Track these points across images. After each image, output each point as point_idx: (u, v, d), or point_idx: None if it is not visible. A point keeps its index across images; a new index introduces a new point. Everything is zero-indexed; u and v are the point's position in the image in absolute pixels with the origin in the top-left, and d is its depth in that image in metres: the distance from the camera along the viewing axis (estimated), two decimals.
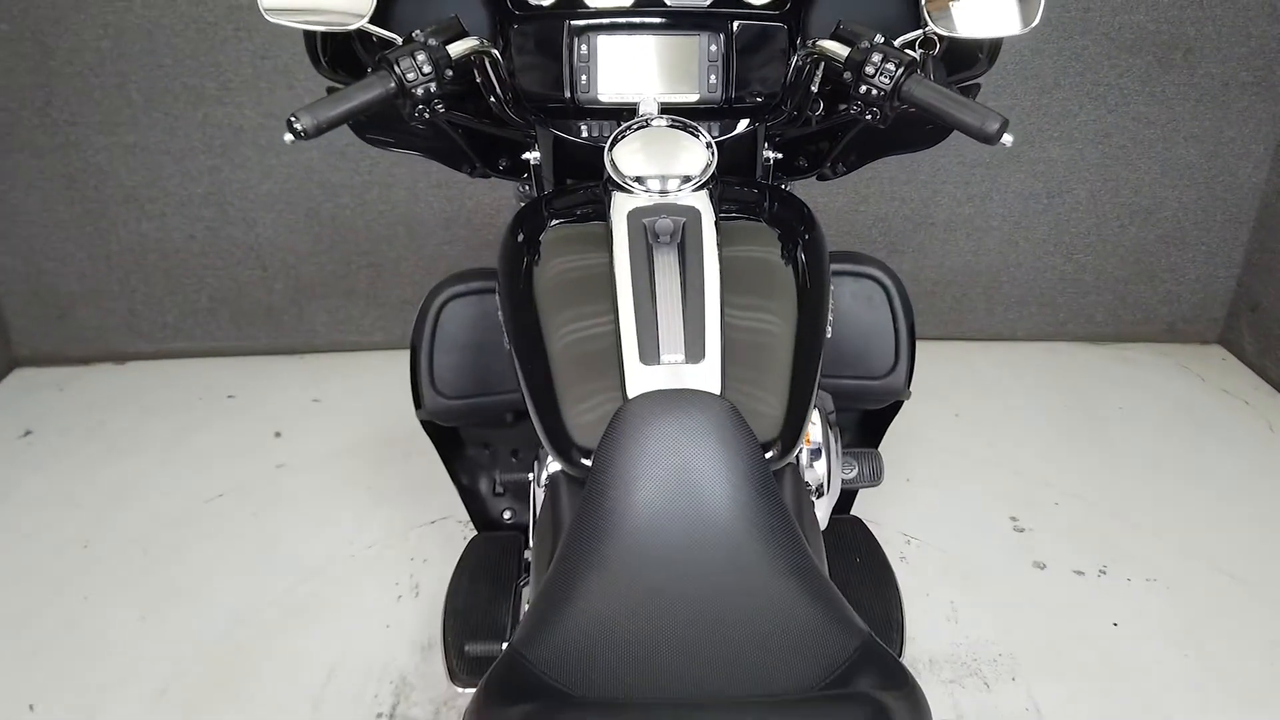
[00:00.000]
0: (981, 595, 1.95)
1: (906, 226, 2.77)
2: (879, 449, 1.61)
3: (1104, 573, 2.04)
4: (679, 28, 1.31)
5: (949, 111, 1.08)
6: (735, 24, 1.30)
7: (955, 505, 2.24)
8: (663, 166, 1.15)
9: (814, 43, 1.21)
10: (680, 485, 0.89)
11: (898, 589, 1.51)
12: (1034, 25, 1.12)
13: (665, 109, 1.26)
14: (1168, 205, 2.79)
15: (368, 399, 2.65)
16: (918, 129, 1.40)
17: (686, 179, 1.13)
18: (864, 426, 1.63)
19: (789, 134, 1.42)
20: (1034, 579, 2.02)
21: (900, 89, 1.11)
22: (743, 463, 0.91)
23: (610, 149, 1.18)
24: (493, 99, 1.30)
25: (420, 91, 1.14)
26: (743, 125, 1.33)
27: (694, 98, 1.31)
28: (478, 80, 1.27)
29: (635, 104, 1.29)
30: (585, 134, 1.33)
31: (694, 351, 0.98)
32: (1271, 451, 2.48)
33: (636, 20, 1.31)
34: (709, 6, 1.31)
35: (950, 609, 1.91)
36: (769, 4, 1.31)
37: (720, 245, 1.09)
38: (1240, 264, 2.88)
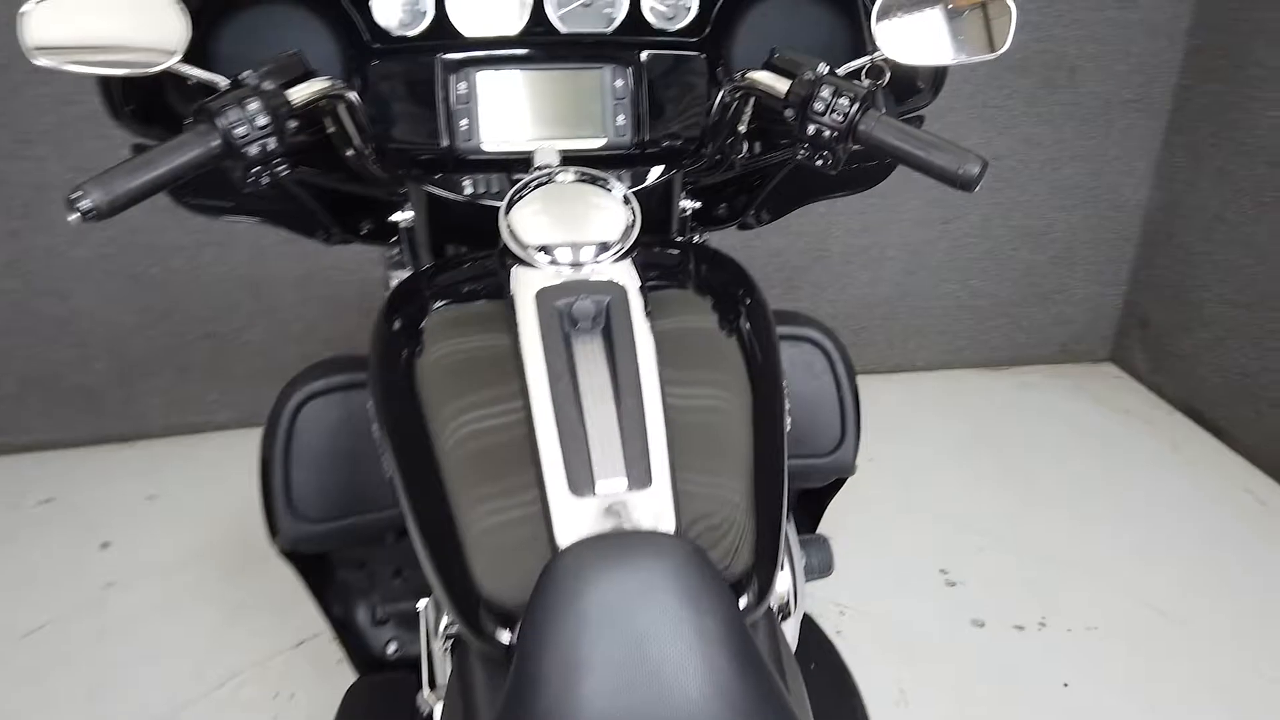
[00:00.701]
0: (927, 669, 1.79)
1: (803, 260, 2.63)
2: (818, 531, 1.42)
3: (1044, 625, 1.91)
4: (577, 60, 1.09)
5: (918, 154, 0.90)
6: (644, 54, 1.09)
7: (883, 562, 2.08)
8: (573, 231, 0.92)
9: (743, 75, 1.01)
10: (640, 669, 0.65)
11: (860, 698, 1.31)
12: (1004, 49, 0.95)
13: (567, 158, 1.04)
14: (1057, 226, 2.75)
15: (213, 490, 2.29)
16: (859, 168, 1.23)
17: (604, 246, 0.91)
18: (800, 507, 1.44)
19: (707, 180, 1.22)
20: (976, 640, 1.88)
21: (856, 128, 0.92)
22: (717, 627, 0.68)
23: (506, 212, 0.94)
24: (350, 152, 1.04)
25: (255, 150, 0.88)
26: (656, 173, 1.11)
27: (599, 143, 1.09)
28: (330, 130, 1.02)
29: (529, 153, 1.06)
30: (469, 190, 1.10)
31: (637, 474, 0.75)
32: (1178, 474, 2.44)
33: (526, 52, 1.08)
34: (613, 34, 1.09)
35: (898, 692, 1.73)
36: (683, 30, 1.11)
37: (653, 329, 0.87)
38: (1127, 282, 2.88)
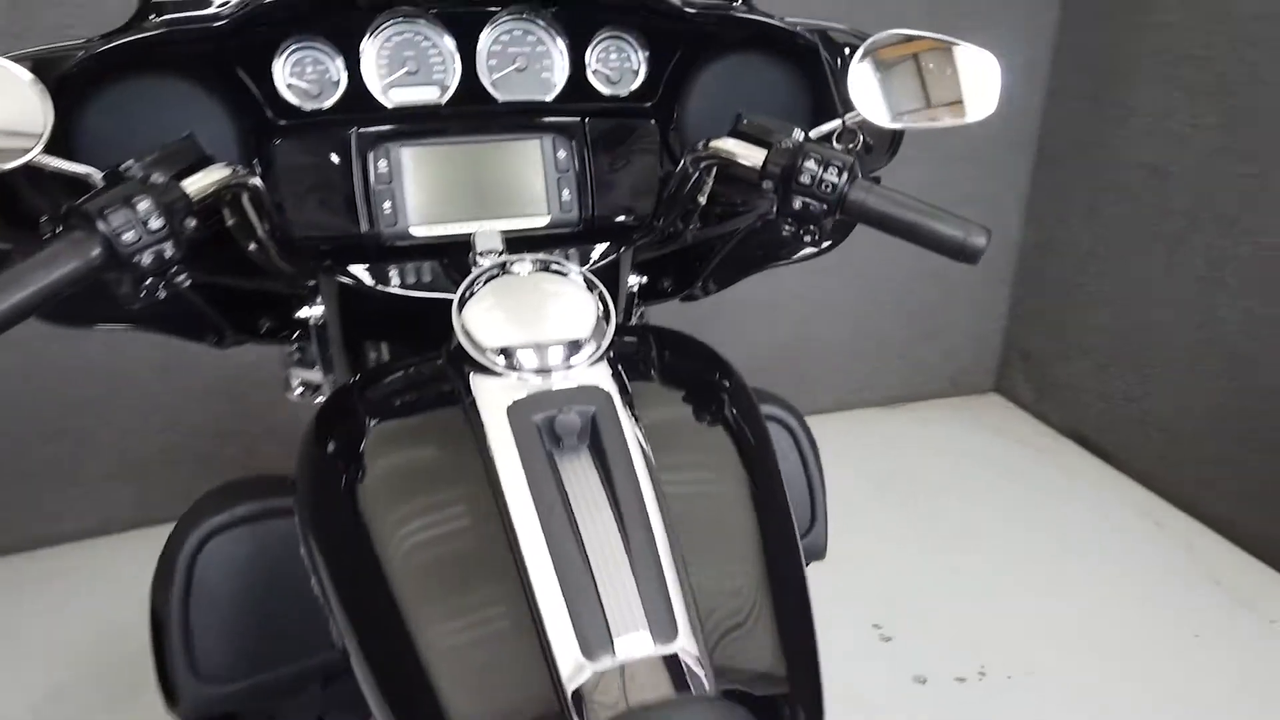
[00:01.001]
0: None
1: (704, 310, 2.55)
2: None
3: (984, 674, 1.89)
4: (514, 130, 0.97)
5: (918, 224, 0.82)
6: (589, 122, 0.98)
7: (818, 619, 2.01)
8: (538, 330, 0.80)
9: (706, 145, 0.92)
10: None
11: None
12: (989, 113, 0.90)
13: (509, 240, 0.92)
14: (942, 264, 2.80)
15: (67, 612, 2.00)
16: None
17: (574, 345, 0.80)
18: None
19: (651, 253, 1.12)
20: (920, 698, 1.83)
21: (846, 200, 0.84)
22: None
23: (459, 309, 0.82)
24: (254, 246, 0.89)
25: (148, 259, 0.73)
26: (600, 250, 1.01)
27: (543, 221, 0.98)
28: (229, 222, 0.87)
29: (465, 236, 0.94)
30: (397, 282, 0.96)
31: (661, 625, 0.64)
32: (1078, 503, 2.50)
33: (455, 123, 0.96)
34: (554, 102, 0.98)
35: None
36: (631, 95, 1.00)
37: (645, 438, 0.76)
38: (1006, 315, 2.96)
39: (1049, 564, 2.23)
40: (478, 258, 0.91)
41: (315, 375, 1.21)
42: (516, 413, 0.75)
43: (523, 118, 0.97)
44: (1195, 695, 1.83)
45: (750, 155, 0.88)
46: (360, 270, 0.96)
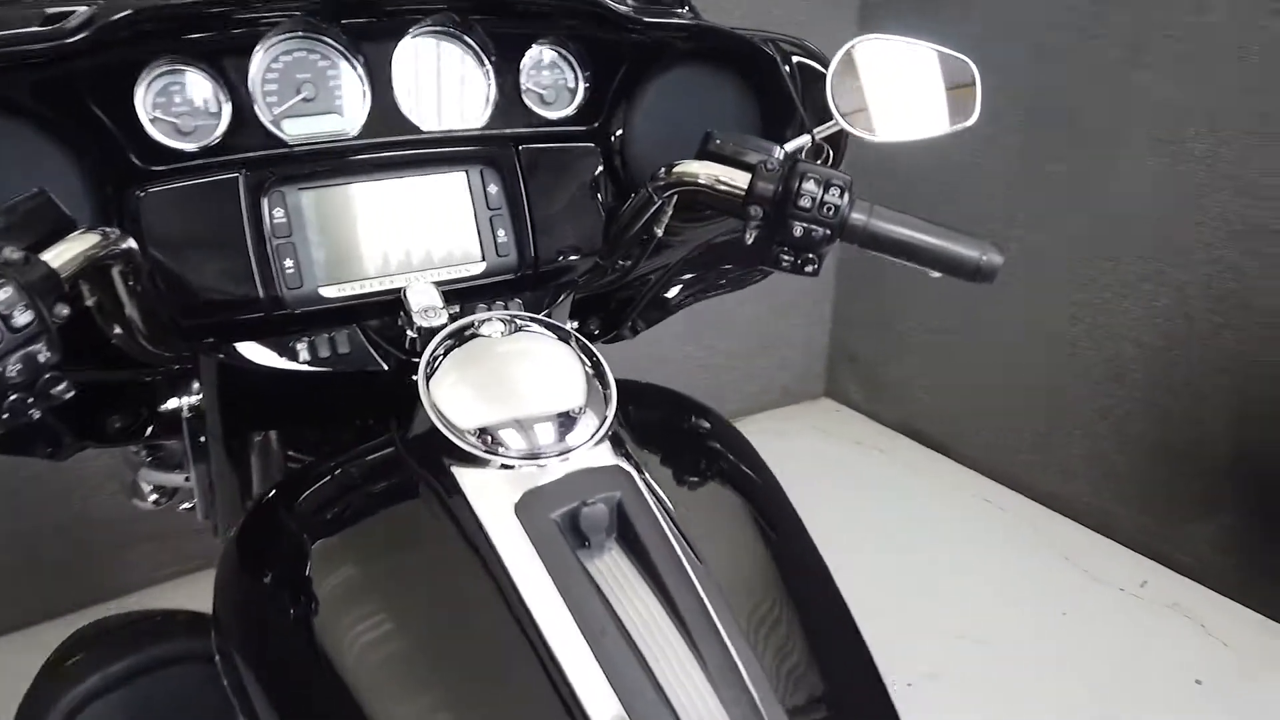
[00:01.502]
0: None
1: None
2: None
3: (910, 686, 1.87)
4: (435, 164, 0.81)
5: (930, 246, 0.75)
6: (522, 149, 0.84)
7: None
8: (531, 404, 0.67)
9: (669, 170, 0.80)
10: None
11: None
12: (971, 122, 0.84)
13: (450, 291, 0.77)
14: (771, 279, 2.82)
15: None
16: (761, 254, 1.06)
17: (567, 418, 0.66)
18: None
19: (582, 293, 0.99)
20: None
21: (847, 224, 0.75)
22: None
23: (427, 385, 0.66)
24: (118, 329, 0.69)
25: (17, 370, 0.53)
26: (551, 297, 0.87)
27: (478, 268, 0.83)
28: (89, 301, 0.67)
29: (388, 294, 0.78)
30: (307, 358, 0.78)
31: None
32: (926, 497, 2.57)
33: (364, 158, 0.79)
34: (484, 128, 0.83)
35: None
36: (569, 119, 0.87)
37: (676, 520, 0.64)
38: (830, 320, 3.02)
39: (902, 561, 2.25)
40: (415, 318, 0.74)
41: (174, 478, 0.98)
42: (529, 509, 0.61)
43: (446, 148, 0.81)
44: (1084, 669, 1.90)
45: (732, 178, 0.77)
46: (256, 349, 0.77)
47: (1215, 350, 2.06)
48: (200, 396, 0.84)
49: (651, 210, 0.82)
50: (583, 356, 0.69)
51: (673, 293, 1.08)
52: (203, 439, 0.87)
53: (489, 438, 0.64)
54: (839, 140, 0.90)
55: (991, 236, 0.76)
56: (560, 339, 0.70)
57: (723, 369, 2.86)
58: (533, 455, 0.64)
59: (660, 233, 0.85)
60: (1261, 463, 2.02)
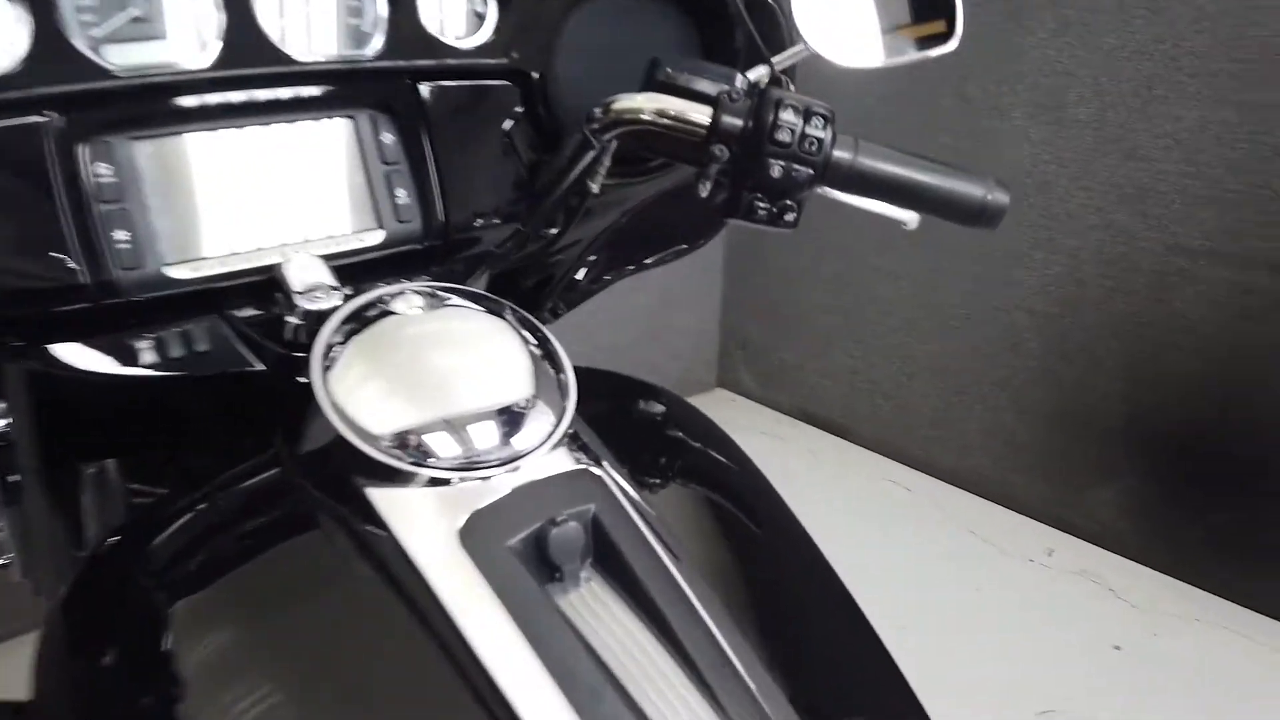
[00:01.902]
0: None
1: None
2: None
3: None
4: (314, 107, 0.64)
5: (929, 184, 0.63)
6: (424, 89, 0.67)
7: None
8: (449, 398, 0.51)
9: (607, 108, 0.66)
10: None
11: None
12: (953, 46, 0.73)
13: (336, 269, 0.61)
14: (658, 268, 2.71)
15: None
16: (689, 223, 0.93)
17: (512, 415, 0.52)
18: None
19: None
20: None
21: (830, 161, 0.63)
22: None
23: (324, 381, 0.50)
24: None
25: None
26: (469, 272, 0.71)
27: (375, 238, 0.66)
28: None
29: (257, 272, 0.60)
30: (152, 359, 0.60)
31: None
32: (821, 481, 2.51)
33: (221, 100, 0.61)
34: (374, 60, 0.66)
35: None
36: (481, 50, 0.71)
37: (660, 533, 0.51)
38: (720, 307, 2.94)
39: (832, 553, 2.19)
40: (297, 300, 0.58)
41: None
42: (478, 538, 0.46)
43: (327, 86, 0.64)
44: (1004, 645, 1.86)
45: (690, 113, 0.63)
46: (80, 351, 0.58)
47: (1107, 314, 2.07)
48: (7, 421, 0.65)
49: (586, 160, 0.68)
50: (527, 335, 0.54)
51: (603, 266, 0.94)
52: (13, 476, 0.67)
53: (413, 445, 0.48)
54: (793, 73, 0.78)
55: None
56: (495, 313, 0.55)
57: (609, 364, 2.72)
58: (474, 465, 0.48)
59: (596, 188, 0.71)
60: (1156, 423, 2.04)
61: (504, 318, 0.55)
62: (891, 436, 2.56)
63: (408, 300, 0.53)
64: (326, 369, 0.50)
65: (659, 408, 0.71)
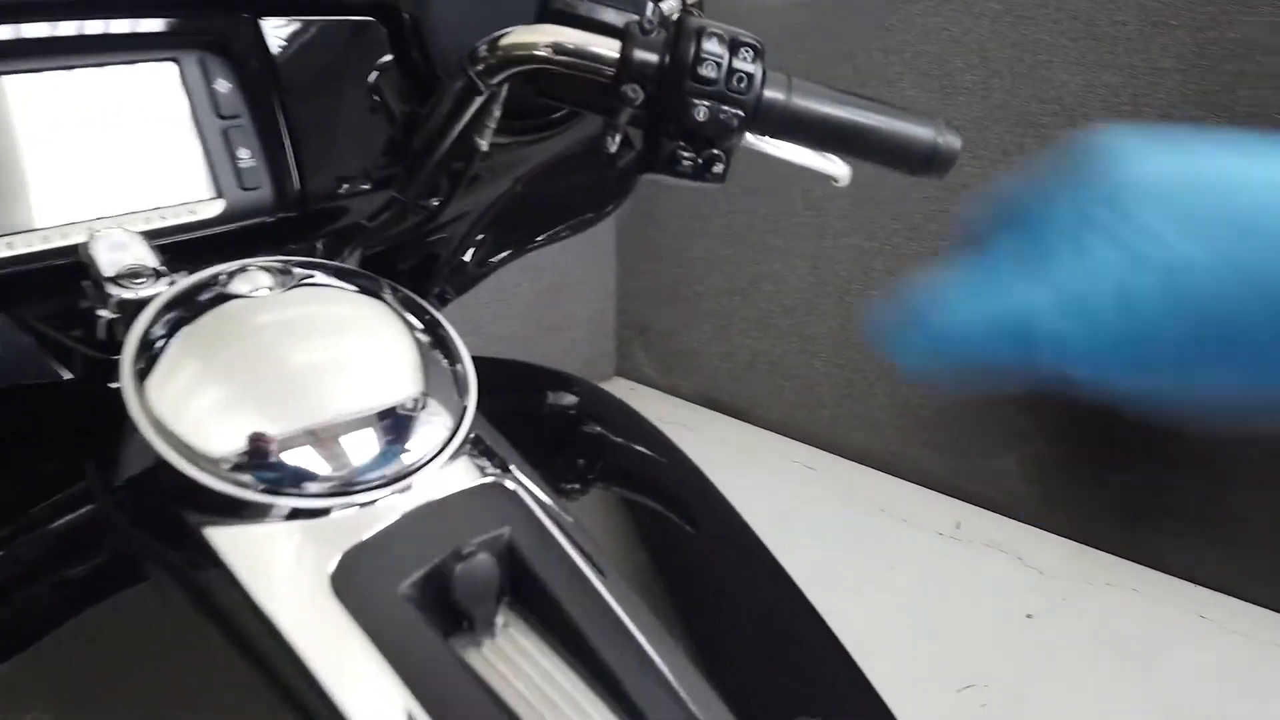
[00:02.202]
0: None
1: None
2: None
3: None
4: (126, 46, 0.51)
5: (873, 125, 0.55)
6: (265, 24, 0.55)
7: None
8: (311, 403, 0.40)
9: (493, 45, 0.55)
10: None
11: None
12: None
13: (166, 247, 0.49)
14: (548, 253, 2.59)
15: None
16: (595, 186, 0.83)
17: (395, 420, 0.41)
18: None
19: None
20: None
21: (762, 101, 0.54)
22: None
23: (137, 388, 0.38)
24: None
25: None
26: (332, 251, 0.60)
27: (213, 209, 0.54)
28: None
29: (61, 252, 0.48)
30: None
31: None
32: (726, 466, 2.45)
33: (4, 35, 0.48)
34: None
35: None
36: None
37: (592, 557, 0.41)
38: (616, 292, 2.85)
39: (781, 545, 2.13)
40: (108, 287, 0.45)
41: None
42: (358, 582, 0.35)
43: (145, 19, 0.51)
44: (920, 619, 1.84)
45: (593, 46, 0.53)
46: None
47: None
48: None
49: (471, 110, 0.57)
50: (412, 318, 0.43)
51: (497, 241, 0.83)
52: None
53: (265, 467, 0.37)
54: (700, 8, 0.69)
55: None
56: (370, 292, 0.44)
57: (502, 354, 2.61)
58: (349, 488, 0.37)
59: (485, 146, 0.60)
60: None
61: (381, 297, 0.44)
62: (797, 418, 2.52)
63: (252, 278, 0.41)
64: (142, 372, 0.38)
65: (571, 398, 0.61)
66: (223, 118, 0.53)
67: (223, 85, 0.53)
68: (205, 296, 0.41)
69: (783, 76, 0.54)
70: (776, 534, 2.14)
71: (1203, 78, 1.75)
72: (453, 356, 0.44)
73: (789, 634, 0.57)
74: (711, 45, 0.51)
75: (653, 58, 0.52)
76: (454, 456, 0.40)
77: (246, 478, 0.37)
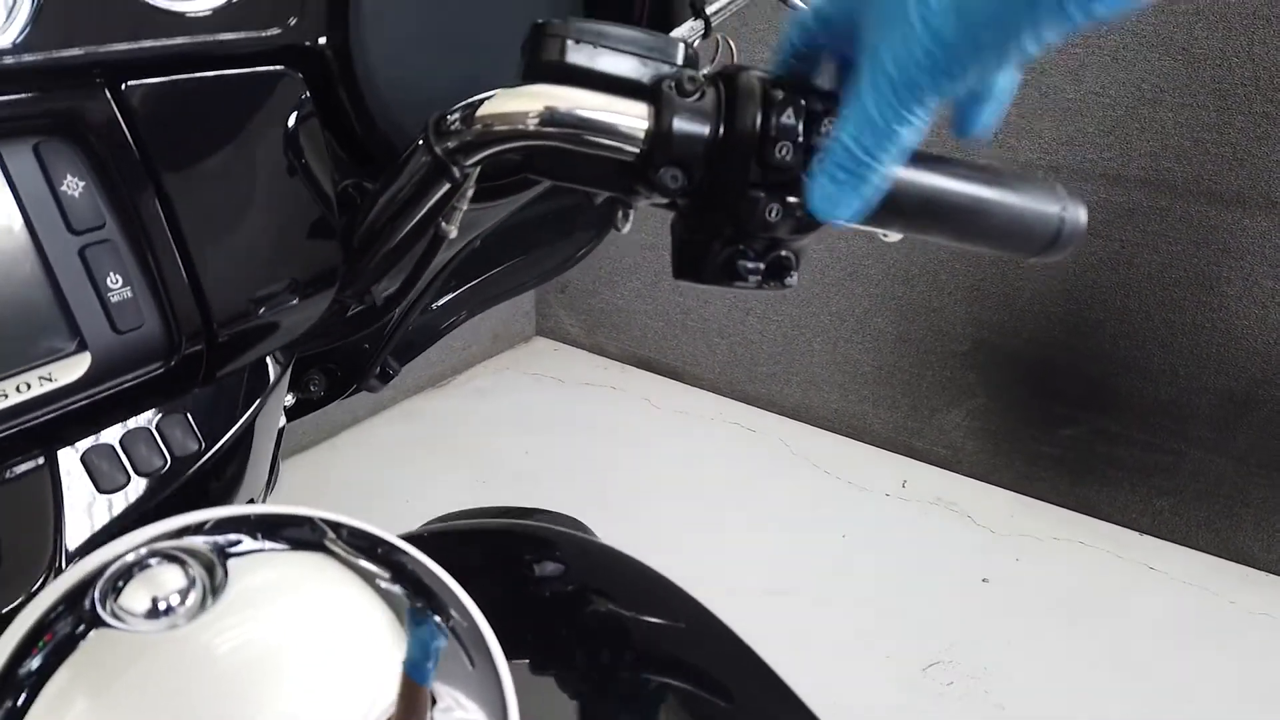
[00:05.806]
0: None
1: None
2: None
3: None
4: None
5: (1003, 207, 0.42)
6: (137, 89, 0.38)
7: None
8: None
9: (470, 115, 0.39)
10: None
11: None
12: None
13: (16, 433, 0.32)
14: None
15: None
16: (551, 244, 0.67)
17: None
18: None
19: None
20: None
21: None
22: None
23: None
24: None
25: None
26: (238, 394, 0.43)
27: (75, 367, 0.37)
28: None
29: None
30: None
31: None
32: (661, 426, 2.35)
33: None
34: (17, 51, 0.35)
35: None
36: (228, 12, 0.41)
37: None
38: None
39: (660, 508, 2.00)
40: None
41: None
42: None
43: None
44: (877, 591, 1.78)
45: (619, 115, 0.38)
46: None
47: None
48: None
49: (436, 195, 0.41)
50: (398, 590, 0.29)
51: (447, 307, 0.67)
52: None
53: None
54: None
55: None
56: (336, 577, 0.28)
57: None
58: None
59: (454, 233, 0.44)
60: (1003, 343, 1.99)
61: (362, 578, 0.29)
62: (732, 377, 2.42)
63: (154, 581, 0.26)
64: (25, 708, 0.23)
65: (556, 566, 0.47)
66: (76, 233, 0.36)
67: (72, 185, 0.36)
68: (80, 627, 0.25)
69: None
70: (717, 504, 2.04)
71: None
72: (471, 643, 0.30)
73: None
74: (787, 117, 0.36)
75: (701, 130, 0.37)
76: None
77: None
